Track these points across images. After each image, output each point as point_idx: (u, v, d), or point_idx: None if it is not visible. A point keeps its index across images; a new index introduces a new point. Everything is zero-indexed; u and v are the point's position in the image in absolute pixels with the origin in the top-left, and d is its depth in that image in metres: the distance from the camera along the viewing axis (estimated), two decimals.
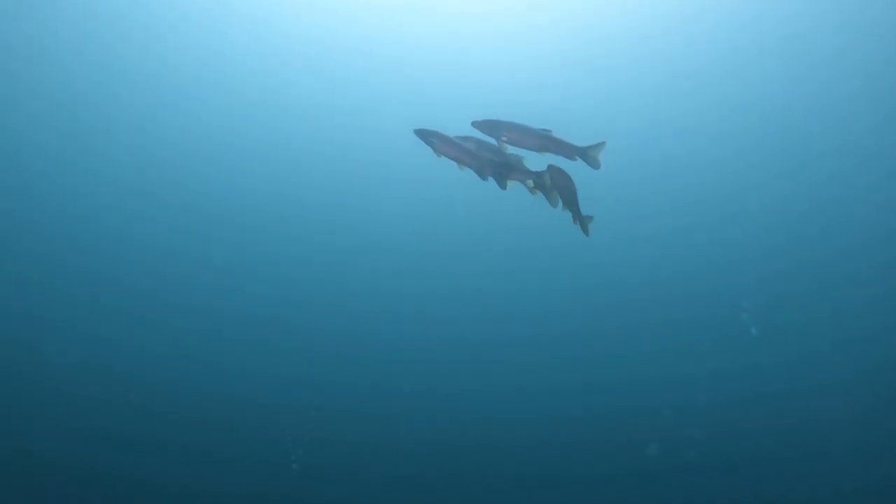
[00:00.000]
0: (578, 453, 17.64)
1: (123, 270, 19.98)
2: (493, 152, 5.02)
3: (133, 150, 20.78)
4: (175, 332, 19.11)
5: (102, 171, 20.66)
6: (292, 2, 19.53)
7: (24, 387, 17.13)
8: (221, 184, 21.42)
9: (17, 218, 19.87)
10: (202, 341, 19.22)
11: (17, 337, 18.13)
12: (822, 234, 20.14)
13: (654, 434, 17.78)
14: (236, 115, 21.21)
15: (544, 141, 5.05)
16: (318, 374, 18.92)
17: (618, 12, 18.77)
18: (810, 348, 19.18)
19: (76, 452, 16.05)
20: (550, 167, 4.98)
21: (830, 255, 19.93)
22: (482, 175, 5.01)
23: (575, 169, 5.00)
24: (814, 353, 19.10)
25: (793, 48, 19.07)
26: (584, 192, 5.03)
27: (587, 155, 5.06)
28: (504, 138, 5.03)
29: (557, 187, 4.95)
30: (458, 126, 5.10)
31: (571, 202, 4.99)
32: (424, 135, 4.98)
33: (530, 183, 4.98)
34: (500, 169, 4.97)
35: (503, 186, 5.02)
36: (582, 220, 5.05)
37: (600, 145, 5.04)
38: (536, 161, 5.07)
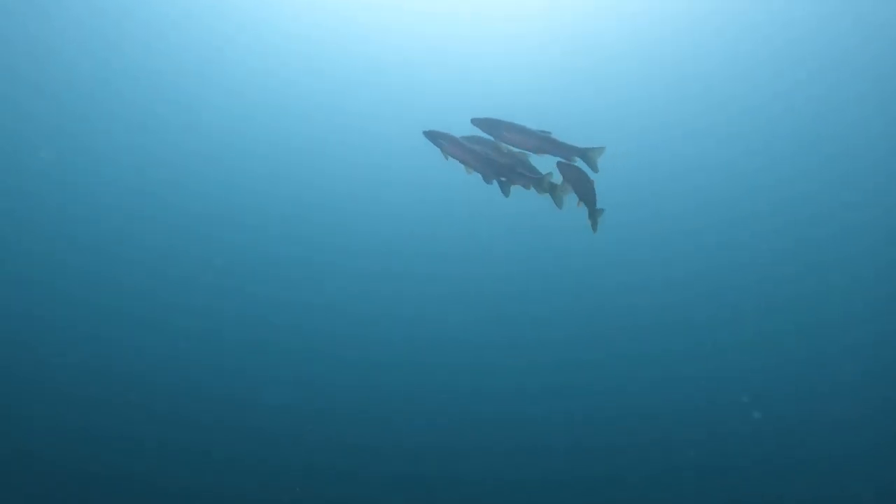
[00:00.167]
0: (578, 454, 17.64)
1: (123, 270, 19.97)
2: (500, 154, 5.01)
3: (133, 150, 20.76)
4: (175, 332, 19.09)
5: (102, 172, 20.64)
6: (292, 2, 19.52)
7: (23, 387, 17.12)
8: (222, 184, 21.41)
9: (18, 218, 19.86)
10: (202, 341, 19.21)
11: (18, 337, 18.13)
12: (829, 237, 20.10)
13: (657, 436, 17.78)
14: (236, 116, 21.20)
15: (543, 142, 5.04)
16: (318, 374, 18.93)
17: (617, 13, 18.77)
18: (817, 351, 19.17)
19: (76, 452, 16.04)
20: (561, 164, 4.95)
21: (838, 258, 19.90)
22: (487, 179, 5.00)
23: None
24: (821, 355, 19.10)
25: (793, 49, 19.05)
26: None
27: (586, 156, 5.04)
28: (504, 136, 5.04)
29: (571, 183, 4.93)
30: (458, 127, 5.10)
31: (588, 197, 4.95)
32: (434, 136, 4.99)
33: (544, 185, 4.96)
34: (505, 172, 4.95)
35: (507, 193, 5.01)
36: (594, 216, 5.00)
37: (600, 149, 5.02)
38: (535, 162, 5.07)
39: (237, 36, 19.93)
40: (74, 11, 18.56)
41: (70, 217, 20.42)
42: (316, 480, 16.62)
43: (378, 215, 21.52)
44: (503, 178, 4.98)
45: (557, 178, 4.99)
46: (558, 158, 5.04)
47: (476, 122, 5.07)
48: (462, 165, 5.00)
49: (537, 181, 4.96)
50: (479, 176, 5.03)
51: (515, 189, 5.03)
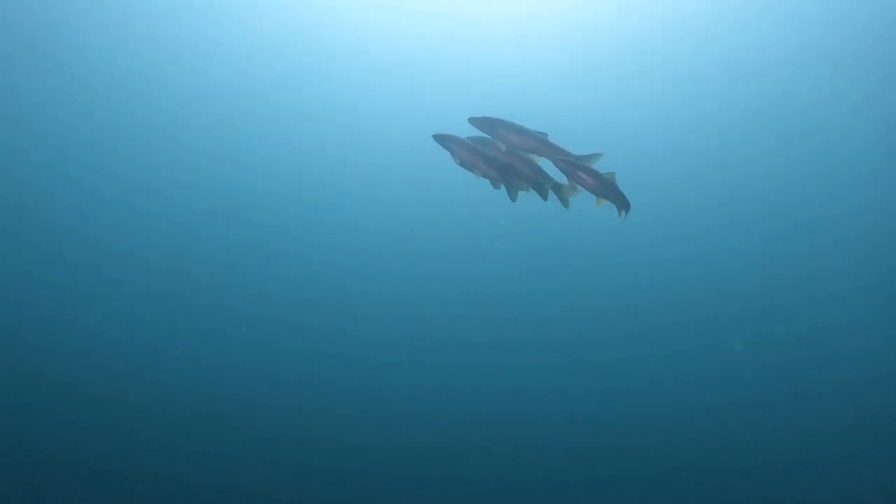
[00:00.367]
0: (579, 454, 17.63)
1: (125, 269, 19.96)
2: (507, 156, 4.94)
3: (135, 148, 20.76)
4: (176, 331, 19.10)
5: (104, 169, 20.64)
6: (293, 2, 19.51)
7: (23, 387, 17.12)
8: (225, 182, 21.41)
9: (19, 217, 19.86)
10: (203, 340, 19.21)
11: (18, 337, 18.13)
12: (832, 241, 20.08)
13: (657, 437, 17.76)
14: (237, 116, 21.19)
15: (540, 144, 4.97)
16: (319, 374, 18.92)
17: (617, 13, 18.75)
18: (818, 352, 19.15)
19: (76, 452, 16.04)
20: (572, 165, 4.87)
21: (840, 260, 19.88)
22: (494, 184, 4.93)
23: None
24: (821, 356, 19.09)
25: (797, 50, 19.03)
26: (583, 194, 4.99)
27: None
28: (502, 135, 4.98)
29: (595, 191, 4.85)
30: (458, 127, 5.08)
31: (609, 192, 4.86)
32: (443, 140, 4.91)
33: (545, 193, 4.91)
34: (511, 174, 4.89)
35: (514, 198, 4.96)
36: (620, 205, 4.88)
37: (596, 156, 4.89)
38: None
39: (237, 36, 19.92)
40: (79, 5, 18.54)
41: (72, 215, 20.42)
42: (316, 480, 16.61)
43: (378, 215, 21.52)
44: (512, 184, 4.92)
45: (562, 179, 4.96)
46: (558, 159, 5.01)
47: (473, 121, 5.01)
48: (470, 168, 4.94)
49: (538, 186, 4.93)
50: (486, 179, 4.98)
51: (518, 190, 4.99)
